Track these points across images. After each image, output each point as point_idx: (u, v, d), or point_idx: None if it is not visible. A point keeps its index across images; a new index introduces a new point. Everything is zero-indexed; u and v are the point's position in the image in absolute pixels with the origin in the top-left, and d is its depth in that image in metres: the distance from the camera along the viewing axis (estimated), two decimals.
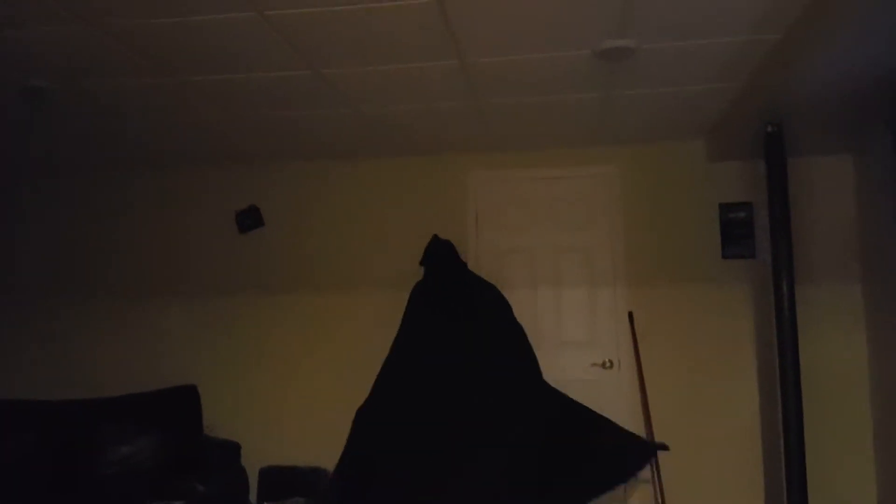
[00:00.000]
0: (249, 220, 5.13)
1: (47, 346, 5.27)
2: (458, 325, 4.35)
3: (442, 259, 4.59)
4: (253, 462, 4.69)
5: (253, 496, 4.68)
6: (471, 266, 4.82)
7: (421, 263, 4.65)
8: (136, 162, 5.06)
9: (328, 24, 2.89)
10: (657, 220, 4.68)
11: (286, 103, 3.86)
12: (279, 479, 4.71)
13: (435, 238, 4.60)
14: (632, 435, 4.23)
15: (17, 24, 2.87)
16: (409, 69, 3.39)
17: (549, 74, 3.47)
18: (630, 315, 4.61)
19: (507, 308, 4.56)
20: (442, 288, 4.49)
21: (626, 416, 4.59)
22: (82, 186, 5.36)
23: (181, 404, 4.70)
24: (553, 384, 4.70)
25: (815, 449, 4.10)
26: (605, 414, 4.62)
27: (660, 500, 4.39)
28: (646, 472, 4.50)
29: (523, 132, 4.46)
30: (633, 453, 4.22)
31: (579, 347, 4.71)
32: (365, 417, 4.37)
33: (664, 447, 4.25)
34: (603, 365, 4.66)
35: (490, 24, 2.89)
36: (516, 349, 4.41)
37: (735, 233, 4.56)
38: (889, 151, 3.87)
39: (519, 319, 4.78)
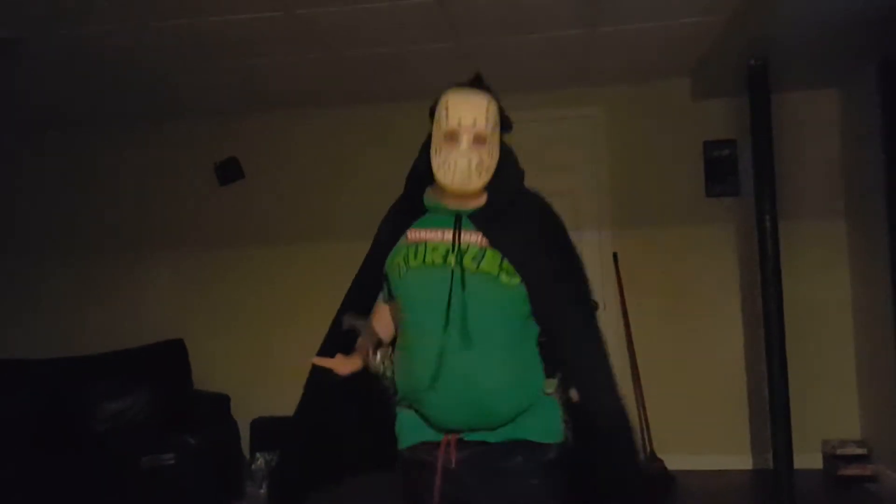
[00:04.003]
0: (229, 172, 5.04)
1: (31, 304, 5.22)
2: None
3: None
4: (243, 415, 4.69)
5: (244, 448, 4.71)
6: None
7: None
8: (111, 115, 4.94)
9: None
10: (642, 161, 4.64)
11: (260, 48, 3.76)
12: (271, 431, 4.73)
13: None
14: None
15: None
16: (385, 7, 3.31)
17: (531, 9, 3.39)
18: (615, 255, 4.60)
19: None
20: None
21: (612, 356, 4.60)
22: (58, 142, 5.23)
23: (169, 359, 4.70)
24: None
25: (799, 385, 4.15)
26: None
27: (646, 437, 4.45)
28: (632, 412, 4.57)
29: (506, 74, 4.37)
30: None
31: None
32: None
33: None
34: None
35: None
36: None
37: (719, 171, 4.53)
38: (875, 85, 3.84)
39: None
